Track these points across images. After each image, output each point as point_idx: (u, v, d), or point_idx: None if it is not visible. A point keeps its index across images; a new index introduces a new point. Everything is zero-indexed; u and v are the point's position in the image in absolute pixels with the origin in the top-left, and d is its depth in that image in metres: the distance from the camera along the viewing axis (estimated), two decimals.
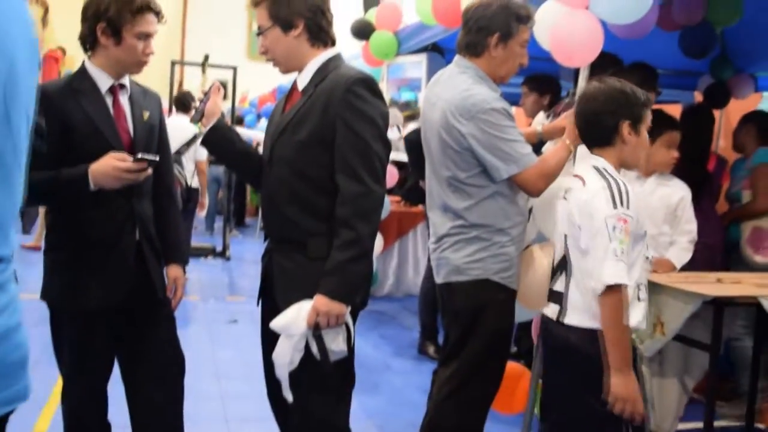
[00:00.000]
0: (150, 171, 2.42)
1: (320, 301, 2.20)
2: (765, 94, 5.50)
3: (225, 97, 2.19)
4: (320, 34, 2.38)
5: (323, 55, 2.38)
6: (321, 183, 2.29)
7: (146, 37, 2.49)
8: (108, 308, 2.48)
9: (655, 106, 3.76)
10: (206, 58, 9.17)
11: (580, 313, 2.32)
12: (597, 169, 2.36)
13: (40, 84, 2.57)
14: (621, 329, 2.23)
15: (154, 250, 2.62)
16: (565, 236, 2.40)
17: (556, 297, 2.42)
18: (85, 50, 2.54)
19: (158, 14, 2.53)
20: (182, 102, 7.13)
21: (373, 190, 2.24)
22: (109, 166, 2.35)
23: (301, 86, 2.39)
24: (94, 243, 2.46)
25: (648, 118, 2.42)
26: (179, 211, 2.84)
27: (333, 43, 2.42)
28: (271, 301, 2.40)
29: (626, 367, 2.22)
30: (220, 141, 2.47)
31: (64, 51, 14.58)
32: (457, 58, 2.73)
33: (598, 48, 2.80)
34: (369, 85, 2.29)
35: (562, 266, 2.43)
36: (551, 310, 2.44)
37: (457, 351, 2.66)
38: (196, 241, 8.54)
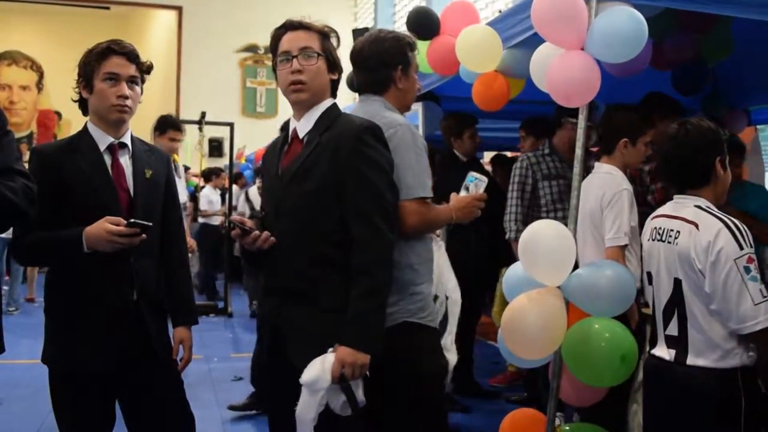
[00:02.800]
0: (144, 236, 2.41)
1: (345, 352, 2.15)
2: (760, 127, 5.53)
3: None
4: (336, 89, 2.45)
5: (325, 102, 2.39)
6: (330, 233, 2.26)
7: (115, 78, 2.48)
8: (105, 368, 2.45)
9: None
10: (203, 115, 9.25)
11: (705, 354, 2.32)
12: (701, 208, 2.38)
13: (37, 146, 2.62)
14: None
15: (155, 310, 2.59)
16: (676, 280, 2.38)
17: (671, 341, 2.41)
18: (84, 113, 2.58)
19: (130, 56, 2.53)
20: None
21: (388, 236, 2.23)
22: (102, 230, 2.35)
23: (302, 134, 2.36)
24: (90, 302, 2.45)
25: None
26: (189, 272, 2.82)
27: (334, 96, 2.47)
28: (282, 358, 2.32)
29: None
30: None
31: (59, 115, 14.77)
32: (361, 97, 2.68)
33: (596, 87, 2.81)
34: (377, 133, 2.30)
35: (671, 309, 2.41)
36: (666, 353, 2.42)
37: (396, 412, 2.41)
38: (197, 300, 8.48)
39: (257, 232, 2.30)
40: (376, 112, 2.50)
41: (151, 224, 2.43)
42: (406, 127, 2.49)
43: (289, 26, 2.37)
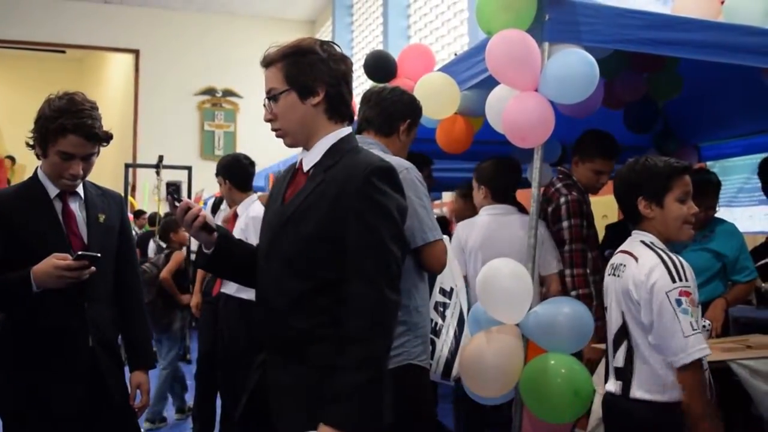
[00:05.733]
0: (93, 269, 2.37)
1: None
2: (709, 163, 5.67)
3: (180, 199, 1.98)
4: (340, 106, 2.07)
5: (337, 133, 2.07)
6: (324, 283, 1.95)
7: (68, 157, 2.42)
8: (62, 417, 2.40)
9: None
10: (161, 159, 9.20)
11: (647, 386, 2.34)
12: (645, 243, 2.43)
13: None
14: (706, 401, 2.27)
15: (112, 356, 2.55)
16: (623, 312, 2.43)
17: (619, 372, 2.44)
18: (37, 157, 2.55)
19: (89, 136, 2.43)
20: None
21: (390, 297, 1.90)
22: (50, 266, 2.32)
23: (306, 167, 2.07)
24: (45, 350, 2.41)
25: (677, 186, 2.44)
26: (145, 315, 2.78)
27: (351, 120, 2.15)
28: (262, 423, 2.02)
29: None
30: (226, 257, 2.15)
31: (13, 159, 14.54)
32: (359, 137, 2.69)
33: (549, 128, 2.86)
34: (390, 175, 1.99)
35: (619, 341, 2.45)
36: (614, 386, 2.45)
37: None
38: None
39: (189, 201, 2.02)
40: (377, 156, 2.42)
41: (99, 255, 2.39)
42: (413, 169, 2.62)
43: (262, 65, 2.09)
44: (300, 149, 2.13)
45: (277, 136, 2.09)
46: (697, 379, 2.26)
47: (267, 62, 2.07)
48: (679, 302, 2.26)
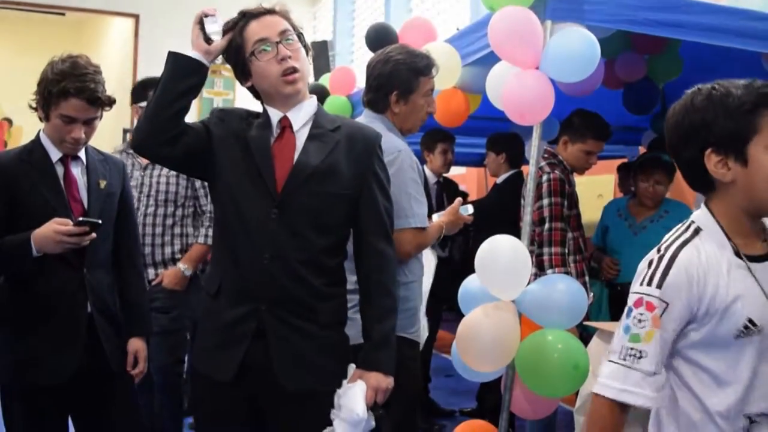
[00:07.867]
0: (94, 235, 2.38)
1: (379, 378, 2.05)
2: None
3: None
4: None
5: (313, 97, 2.16)
6: (339, 241, 2.12)
7: (70, 120, 2.41)
8: (59, 383, 2.42)
9: (602, 162, 3.94)
10: None
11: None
12: (686, 225, 1.64)
13: None
14: None
15: (110, 322, 2.56)
16: None
17: None
18: (40, 119, 2.55)
19: (90, 100, 2.41)
20: None
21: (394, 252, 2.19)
22: (50, 230, 2.32)
23: (296, 125, 2.09)
24: (43, 315, 2.42)
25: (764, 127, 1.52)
26: (144, 282, 2.79)
27: None
28: (261, 381, 2.03)
29: None
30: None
31: (11, 122, 14.49)
32: (365, 112, 2.75)
33: (549, 106, 2.87)
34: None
35: None
36: None
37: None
38: None
39: None
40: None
41: (100, 222, 2.41)
42: (406, 153, 2.56)
43: (251, 14, 2.07)
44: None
45: (294, 79, 2.05)
46: (593, 414, 1.61)
47: (270, 11, 2.09)
48: (629, 312, 1.58)
